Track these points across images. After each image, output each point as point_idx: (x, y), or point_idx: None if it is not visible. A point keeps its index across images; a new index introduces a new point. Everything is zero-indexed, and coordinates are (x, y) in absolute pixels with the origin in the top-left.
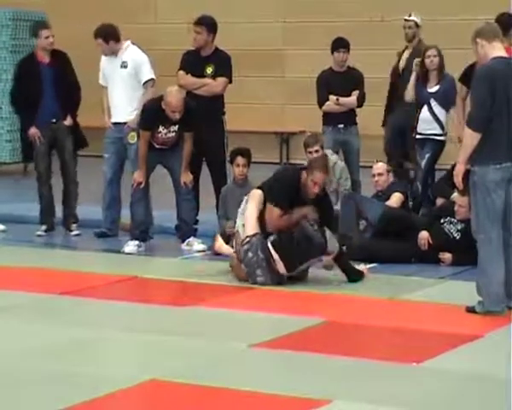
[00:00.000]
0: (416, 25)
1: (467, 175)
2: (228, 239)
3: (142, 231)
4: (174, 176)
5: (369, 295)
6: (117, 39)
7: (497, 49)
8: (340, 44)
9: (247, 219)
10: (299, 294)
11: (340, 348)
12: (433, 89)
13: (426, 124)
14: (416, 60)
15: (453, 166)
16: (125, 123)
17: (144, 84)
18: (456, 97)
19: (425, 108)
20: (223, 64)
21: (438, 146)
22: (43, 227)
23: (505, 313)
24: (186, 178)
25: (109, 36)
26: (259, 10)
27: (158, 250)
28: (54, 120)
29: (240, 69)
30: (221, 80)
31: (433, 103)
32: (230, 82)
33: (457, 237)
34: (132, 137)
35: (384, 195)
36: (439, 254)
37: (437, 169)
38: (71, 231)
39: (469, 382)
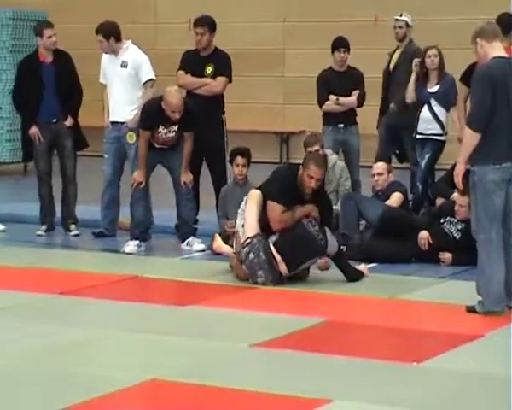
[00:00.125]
0: (407, 25)
1: (467, 175)
2: (227, 238)
3: (142, 230)
4: (174, 175)
5: (369, 294)
6: (118, 38)
7: (497, 49)
8: (340, 44)
9: (247, 220)
10: (299, 294)
11: (340, 348)
12: (434, 89)
13: (426, 124)
14: (416, 60)
15: (453, 166)
16: (123, 123)
17: (144, 84)
18: (456, 97)
19: (425, 107)
20: (222, 64)
21: (438, 146)
22: (43, 227)
23: (505, 312)
24: (186, 177)
25: (110, 33)
26: (259, 10)
27: (158, 250)
28: (54, 120)
29: (240, 69)
30: (221, 80)
31: (434, 103)
32: (230, 82)
33: (457, 237)
34: (131, 137)
35: (384, 194)
36: (439, 253)
37: (437, 169)
38: (70, 231)
39: (469, 381)
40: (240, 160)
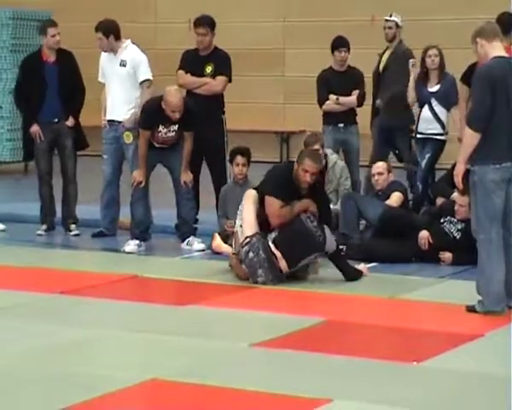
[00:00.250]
0: (397, 25)
1: (467, 175)
2: (227, 238)
3: (142, 230)
4: (174, 175)
5: (369, 294)
6: (117, 36)
7: (497, 49)
8: (340, 43)
9: (245, 219)
10: (299, 293)
11: (340, 348)
12: (434, 88)
13: (426, 123)
14: (412, 60)
15: (453, 166)
16: (120, 122)
17: (141, 83)
18: (456, 97)
19: (426, 107)
20: (222, 63)
21: (438, 145)
22: (44, 226)
23: (505, 312)
24: (186, 177)
25: (110, 31)
26: (259, 10)
27: (158, 249)
28: (56, 120)
29: (240, 69)
30: (221, 79)
31: (434, 103)
32: (230, 81)
33: (457, 237)
34: (128, 137)
35: (384, 194)
36: (439, 253)
37: (437, 169)
38: (70, 231)
39: (469, 381)
40: (240, 159)
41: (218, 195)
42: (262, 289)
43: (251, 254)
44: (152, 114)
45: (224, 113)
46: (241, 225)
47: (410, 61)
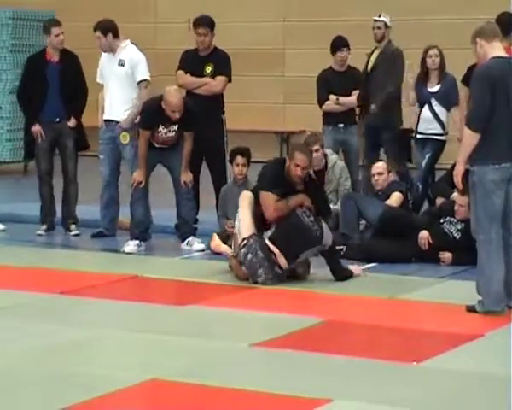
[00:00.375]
0: (386, 25)
1: (466, 175)
2: (227, 238)
3: (142, 230)
4: (174, 175)
5: (369, 294)
6: (115, 34)
7: (496, 49)
8: (341, 43)
9: (241, 221)
10: (299, 294)
11: (340, 348)
12: (434, 88)
13: (427, 123)
14: (409, 62)
15: (453, 166)
16: (117, 122)
17: (138, 83)
18: (457, 97)
19: (426, 107)
20: (222, 63)
21: (438, 146)
22: (44, 226)
23: (505, 312)
24: (186, 177)
25: (107, 29)
26: (259, 10)
27: (158, 250)
28: (57, 120)
29: (240, 69)
30: (220, 79)
31: (434, 103)
32: (230, 81)
33: (457, 237)
34: (124, 138)
35: (384, 194)
36: (439, 253)
37: (437, 169)
38: (70, 231)
39: (470, 381)
40: (240, 159)
41: (217, 195)
42: (262, 289)
43: (249, 256)
44: (152, 114)
45: (223, 113)
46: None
47: (407, 62)
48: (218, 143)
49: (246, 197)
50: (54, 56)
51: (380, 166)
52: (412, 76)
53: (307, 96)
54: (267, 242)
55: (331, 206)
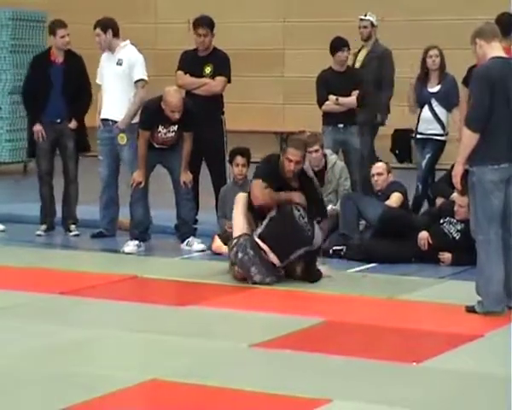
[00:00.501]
0: (372, 24)
1: (466, 175)
2: (227, 239)
3: (142, 230)
4: (174, 176)
5: (369, 294)
6: (115, 33)
7: (495, 50)
8: (341, 44)
9: (234, 222)
10: (299, 294)
11: (340, 348)
12: (435, 89)
13: (427, 124)
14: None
15: (453, 166)
16: (114, 121)
17: (135, 83)
18: (457, 97)
19: (426, 107)
20: (221, 64)
21: (438, 146)
22: (43, 227)
23: (505, 312)
24: (186, 177)
25: (108, 26)
26: (259, 10)
27: (157, 250)
28: (58, 120)
29: (239, 69)
30: (220, 80)
31: (435, 103)
32: (229, 81)
33: (457, 238)
34: (122, 139)
35: (383, 194)
36: (439, 254)
37: (437, 169)
38: (70, 231)
39: (469, 381)
40: (239, 160)
41: (217, 195)
42: (262, 290)
43: (240, 255)
44: (151, 114)
45: (223, 113)
46: None
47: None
48: (218, 143)
49: (240, 198)
50: (58, 57)
51: (379, 166)
52: (411, 81)
53: (307, 96)
54: (256, 239)
55: (331, 206)
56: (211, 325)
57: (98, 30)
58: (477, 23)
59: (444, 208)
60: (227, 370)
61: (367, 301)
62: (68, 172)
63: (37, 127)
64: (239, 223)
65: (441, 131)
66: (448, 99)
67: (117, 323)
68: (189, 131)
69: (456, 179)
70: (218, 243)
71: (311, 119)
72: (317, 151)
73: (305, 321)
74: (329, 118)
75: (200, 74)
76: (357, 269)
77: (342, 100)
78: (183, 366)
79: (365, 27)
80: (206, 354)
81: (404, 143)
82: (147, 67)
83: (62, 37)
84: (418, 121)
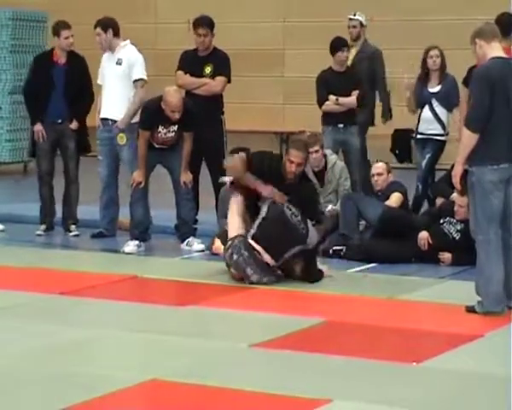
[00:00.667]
0: (361, 24)
1: (465, 175)
2: (227, 239)
3: (142, 230)
4: (174, 176)
5: (369, 294)
6: (116, 32)
7: (495, 50)
8: (341, 44)
9: (229, 223)
10: (299, 294)
11: (340, 348)
12: (435, 89)
13: (427, 124)
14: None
15: (453, 166)
16: (113, 121)
17: (134, 82)
18: (457, 98)
19: (426, 107)
20: (221, 64)
21: (438, 146)
22: (43, 227)
23: (505, 312)
24: (186, 177)
25: (108, 26)
26: (259, 10)
27: (157, 250)
28: (59, 121)
29: (239, 69)
30: (220, 80)
31: (435, 104)
32: (229, 81)
33: (457, 238)
34: (121, 139)
35: (383, 194)
36: (439, 254)
37: (437, 169)
38: (70, 231)
39: (469, 382)
40: None
41: (217, 195)
42: (262, 290)
43: (235, 256)
44: (151, 114)
45: (223, 113)
46: None
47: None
48: (218, 143)
49: (235, 201)
50: (61, 58)
51: (379, 166)
52: (410, 90)
53: (307, 96)
54: (250, 241)
55: (331, 206)
56: (211, 325)
57: (99, 29)
58: (477, 23)
59: (444, 208)
60: (227, 370)
61: (367, 301)
62: (69, 173)
63: (38, 127)
64: (234, 224)
65: (441, 132)
66: (448, 99)
67: (117, 323)
68: (189, 131)
69: (456, 179)
70: (217, 244)
71: (311, 119)
72: (317, 151)
73: (305, 321)
74: (329, 118)
75: (200, 74)
76: (358, 269)
77: (342, 100)
78: (183, 366)
79: (354, 27)
80: (206, 354)
81: (404, 143)
82: (147, 67)
83: (66, 38)
84: (418, 121)
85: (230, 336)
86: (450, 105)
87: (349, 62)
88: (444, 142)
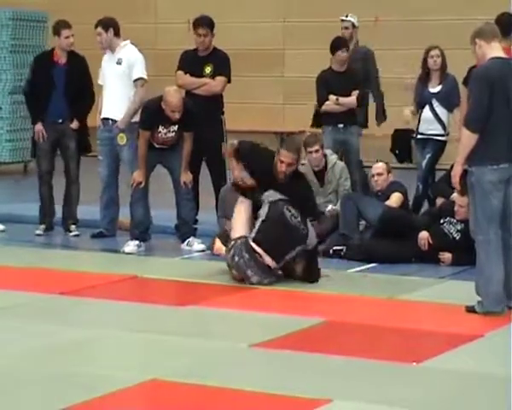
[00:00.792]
0: (353, 25)
1: (465, 175)
2: (227, 239)
3: (142, 230)
4: (174, 176)
5: (369, 294)
6: (116, 32)
7: (495, 50)
8: (340, 44)
9: (233, 224)
10: (299, 294)
11: (340, 348)
12: (436, 89)
13: (427, 124)
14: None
15: (452, 166)
16: (114, 120)
17: (135, 82)
18: (458, 98)
19: (427, 108)
20: (221, 64)
21: (439, 146)
22: (42, 226)
23: (505, 312)
24: (186, 177)
25: (109, 25)
26: (259, 10)
27: (158, 250)
28: (60, 121)
29: (239, 69)
30: (220, 80)
31: (436, 104)
32: (229, 82)
33: (457, 238)
34: (121, 139)
35: (383, 194)
36: (439, 254)
37: (437, 169)
38: (70, 231)
39: (469, 382)
40: None
41: (217, 195)
42: (262, 290)
43: (236, 258)
44: (151, 114)
45: (223, 113)
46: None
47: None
48: (218, 143)
49: (244, 203)
50: (61, 58)
51: (379, 166)
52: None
53: (307, 96)
54: (251, 243)
55: (331, 206)
56: (211, 325)
57: (99, 29)
58: (477, 23)
59: (444, 208)
60: (227, 370)
61: (367, 301)
62: (70, 173)
63: (38, 127)
64: (237, 226)
65: (442, 132)
66: (449, 99)
67: (117, 323)
68: (190, 131)
69: (455, 179)
70: (218, 245)
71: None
72: (317, 151)
73: (305, 321)
74: (329, 118)
75: (200, 74)
76: (358, 269)
77: (342, 100)
78: (183, 366)
79: (346, 28)
80: (206, 354)
81: (404, 143)
82: (147, 67)
83: (67, 37)
84: (419, 121)
85: (230, 336)
86: (450, 105)
87: None
88: (444, 142)
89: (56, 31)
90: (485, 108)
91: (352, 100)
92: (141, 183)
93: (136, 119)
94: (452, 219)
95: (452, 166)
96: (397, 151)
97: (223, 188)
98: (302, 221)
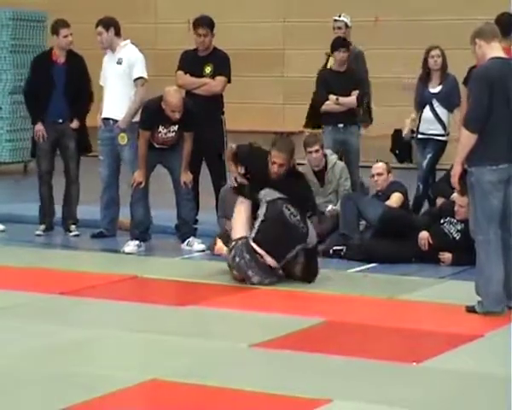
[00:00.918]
0: (346, 25)
1: (465, 175)
2: (227, 239)
3: (142, 230)
4: (174, 176)
5: (369, 294)
6: (117, 32)
7: (495, 50)
8: (339, 44)
9: (233, 224)
10: (299, 294)
11: (340, 348)
12: (436, 89)
13: (428, 124)
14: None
15: (452, 166)
16: (114, 120)
17: (135, 81)
18: (458, 98)
19: (427, 108)
20: (221, 64)
21: (439, 146)
22: (42, 226)
23: (505, 312)
24: (186, 177)
25: (110, 25)
26: (259, 10)
27: (158, 250)
28: (60, 121)
29: (239, 69)
30: (220, 80)
31: (436, 104)
32: (229, 81)
33: (457, 238)
34: (122, 139)
35: (383, 194)
36: (439, 254)
37: (438, 169)
38: (70, 231)
39: (469, 382)
40: None
41: (217, 195)
42: (262, 290)
43: (237, 259)
44: (152, 114)
45: (223, 113)
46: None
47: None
48: (218, 143)
49: (244, 204)
50: (60, 57)
51: (379, 166)
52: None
53: (307, 96)
54: (252, 244)
55: (331, 206)
56: (211, 325)
57: (100, 28)
58: (477, 23)
59: (444, 208)
60: (227, 370)
61: (367, 301)
62: (70, 173)
63: (39, 127)
64: (237, 226)
65: (442, 132)
66: (449, 99)
67: (117, 323)
68: (190, 131)
69: (454, 179)
70: (219, 245)
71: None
72: (317, 151)
73: (305, 321)
74: (329, 118)
75: (201, 74)
76: (358, 269)
77: (342, 100)
78: (183, 366)
79: (339, 28)
80: (206, 354)
81: (404, 143)
82: (147, 66)
83: (65, 36)
84: (419, 121)
85: (230, 336)
86: (451, 105)
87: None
88: (444, 142)
89: (55, 30)
90: (485, 108)
91: (351, 100)
92: (141, 183)
93: (137, 118)
94: (452, 219)
95: (452, 166)
96: (397, 151)
97: (223, 188)
98: (301, 220)
